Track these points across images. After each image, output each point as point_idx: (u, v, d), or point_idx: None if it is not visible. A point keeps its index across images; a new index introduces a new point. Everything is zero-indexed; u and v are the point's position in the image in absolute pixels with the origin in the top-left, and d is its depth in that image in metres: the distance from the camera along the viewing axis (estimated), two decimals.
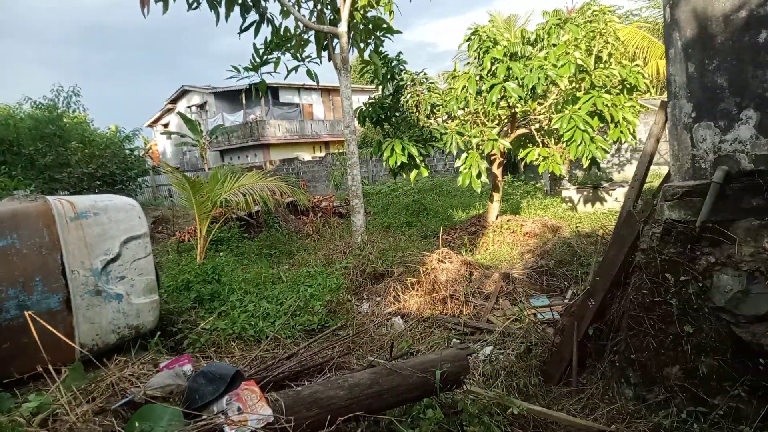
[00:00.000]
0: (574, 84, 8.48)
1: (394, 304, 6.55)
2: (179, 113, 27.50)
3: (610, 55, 8.35)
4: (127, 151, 22.15)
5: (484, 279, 7.18)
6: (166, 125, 34.86)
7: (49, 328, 3.17)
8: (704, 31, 3.30)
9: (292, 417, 2.08)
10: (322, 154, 29.43)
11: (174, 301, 5.87)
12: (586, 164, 7.76)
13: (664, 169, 8.09)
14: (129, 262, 4.59)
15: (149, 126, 37.39)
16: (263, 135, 28.72)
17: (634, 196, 4.00)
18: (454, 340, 5.46)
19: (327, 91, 31.76)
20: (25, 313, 3.66)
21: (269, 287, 7.09)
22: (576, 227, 9.72)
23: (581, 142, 7.35)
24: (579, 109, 7.42)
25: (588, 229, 9.53)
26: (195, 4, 7.55)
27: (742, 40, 3.17)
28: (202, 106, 32.25)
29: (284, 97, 30.34)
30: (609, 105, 7.45)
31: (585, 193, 12.58)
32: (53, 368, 2.91)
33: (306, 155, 29.28)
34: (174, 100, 33.77)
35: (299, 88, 30.60)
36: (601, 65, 8.29)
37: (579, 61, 7.49)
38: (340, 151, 25.17)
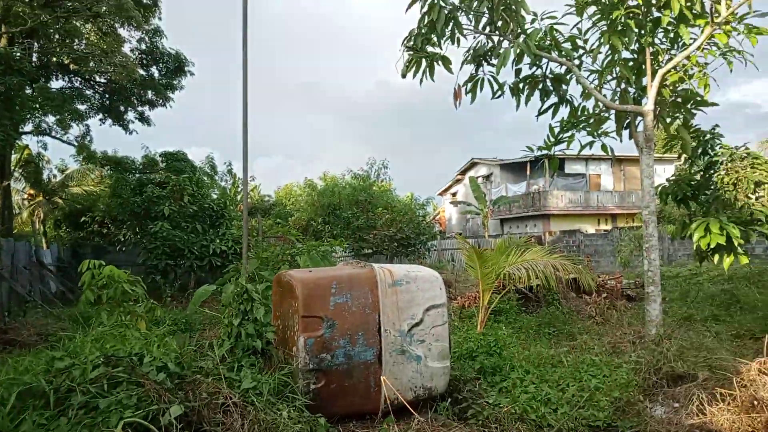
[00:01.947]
0: None
1: (698, 416, 5.63)
2: (471, 178, 29.61)
3: None
4: (420, 218, 24.84)
5: None
6: (454, 194, 37.97)
7: (383, 380, 3.73)
8: None
9: None
10: (608, 227, 27.68)
11: (459, 369, 6.23)
12: None
13: None
14: (429, 328, 5.14)
15: (440, 194, 41.30)
16: (545, 205, 28.67)
17: None
18: None
19: (618, 161, 30.10)
20: (382, 379, 4.37)
21: (549, 369, 6.91)
22: None
23: None
24: None
25: None
26: (499, 93, 8.26)
27: None
28: (487, 177, 34.17)
29: (570, 167, 29.92)
30: None
31: None
32: (365, 415, 3.42)
33: (589, 228, 27.97)
34: (463, 172, 36.71)
35: (587, 159, 29.81)
36: None
37: None
38: (630, 225, 23.30)
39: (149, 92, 19.70)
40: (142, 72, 18.90)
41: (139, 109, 20.28)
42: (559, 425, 4.94)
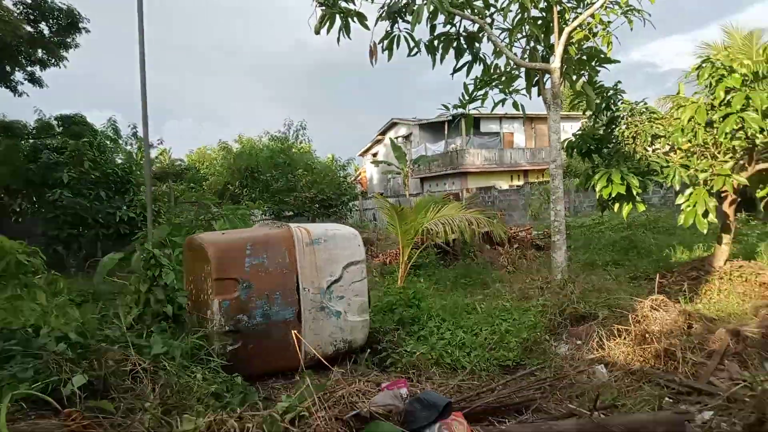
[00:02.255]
0: None
1: (597, 350, 6.14)
2: (390, 140, 29.79)
3: None
4: (341, 179, 24.78)
5: (707, 334, 6.30)
6: (375, 155, 38.05)
7: (295, 334, 3.73)
8: None
9: None
10: (520, 182, 28.99)
11: (379, 322, 6.38)
12: None
13: None
14: (348, 284, 5.18)
15: (361, 155, 41.23)
16: (462, 164, 29.48)
17: None
18: (667, 399, 4.92)
19: (529, 119, 31.34)
20: (293, 333, 4.36)
21: (464, 317, 7.24)
22: None
23: None
24: None
25: None
26: (415, 50, 8.25)
27: None
28: (407, 137, 34.48)
29: (485, 126, 30.81)
30: None
31: None
32: (285, 369, 3.44)
33: (503, 184, 29.15)
34: (383, 132, 36.77)
35: (501, 117, 30.81)
36: None
37: None
38: (540, 180, 24.51)
39: (39, 50, 17.79)
40: (29, 28, 16.98)
41: (29, 69, 18.32)
42: (471, 366, 5.20)
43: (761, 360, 5.65)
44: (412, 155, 31.16)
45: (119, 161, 17.55)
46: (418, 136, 33.10)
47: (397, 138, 34.67)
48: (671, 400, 4.96)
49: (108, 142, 19.96)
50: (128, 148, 26.27)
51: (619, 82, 8.85)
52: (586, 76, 8.70)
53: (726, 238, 9.08)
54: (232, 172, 23.26)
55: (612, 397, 4.82)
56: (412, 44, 8.27)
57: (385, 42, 8.28)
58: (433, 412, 2.29)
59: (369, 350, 5.12)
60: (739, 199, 9.50)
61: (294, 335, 4.22)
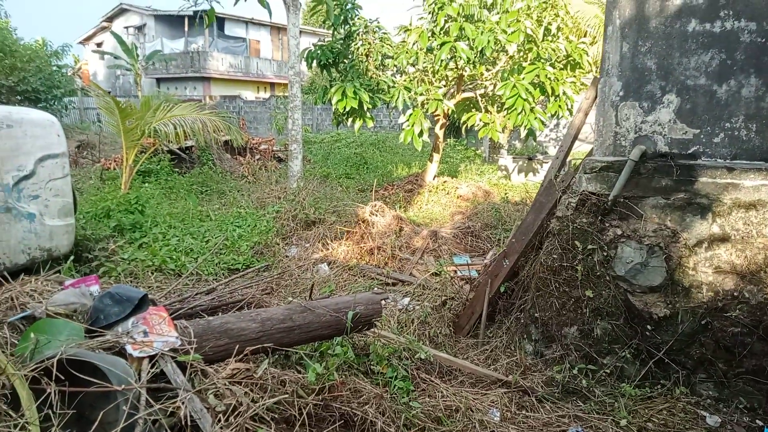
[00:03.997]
0: (521, 53, 8.59)
1: (323, 251, 6.60)
2: (113, 33, 25.61)
3: (559, 28, 8.49)
4: (54, 68, 20.51)
5: (413, 235, 7.34)
6: (99, 44, 32.34)
7: None
8: (641, 13, 3.43)
9: (195, 340, 2.10)
10: (267, 95, 28.46)
11: (92, 229, 5.63)
12: (523, 134, 7.98)
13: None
14: (44, 182, 4.35)
15: (81, 43, 34.56)
16: (204, 67, 27.31)
17: (556, 167, 4.18)
18: (376, 288, 5.60)
19: (277, 29, 30.39)
20: None
21: (196, 224, 6.94)
22: (506, 194, 10.06)
23: (522, 111, 7.53)
24: (523, 78, 7.55)
25: (517, 197, 9.90)
26: None
27: (674, 26, 3.32)
28: (140, 29, 30.09)
29: (231, 29, 28.82)
30: (552, 78, 7.63)
31: (520, 163, 12.97)
32: None
33: (249, 94, 28.21)
34: (110, 18, 31.26)
35: (247, 22, 29.14)
36: (549, 38, 8.43)
37: (529, 30, 7.58)
38: (286, 94, 24.43)
39: None
40: None
41: None
42: (196, 270, 5.03)
43: (451, 255, 6.87)
44: (146, 50, 27.52)
45: None
46: (154, 29, 29.20)
47: (127, 28, 29.98)
48: (379, 289, 5.68)
49: None
50: None
51: None
52: None
53: (435, 157, 10.56)
54: None
55: (330, 289, 5.27)
56: None
57: None
58: (126, 307, 2.08)
59: (74, 258, 4.46)
60: (448, 124, 11.02)
61: None
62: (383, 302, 3.43)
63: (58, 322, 1.91)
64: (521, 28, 7.41)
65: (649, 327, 3.51)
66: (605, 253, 3.59)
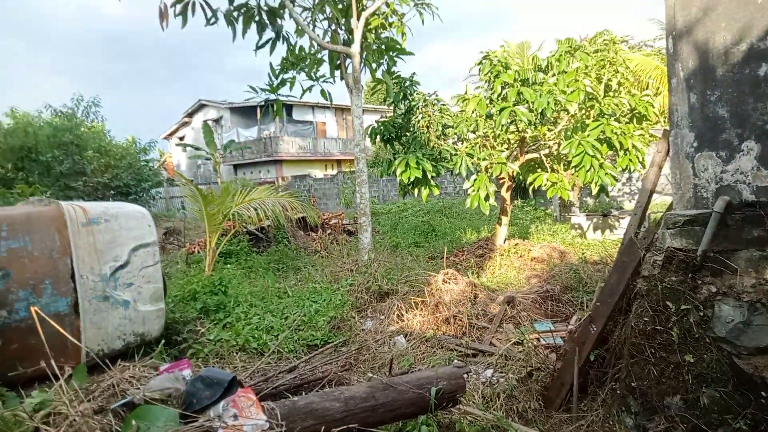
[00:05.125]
0: (583, 111, 8.55)
1: (398, 322, 6.56)
2: (204, 123, 27.89)
3: (619, 84, 8.43)
4: (143, 163, 22.49)
5: (489, 302, 7.16)
6: (182, 138, 35.39)
7: (57, 327, 3.23)
8: (705, 62, 3.36)
9: (283, 423, 2.12)
10: (334, 171, 29.67)
11: (180, 311, 5.94)
12: (594, 190, 7.78)
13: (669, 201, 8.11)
14: (137, 270, 4.68)
15: (165, 138, 37.98)
16: (276, 151, 29.07)
17: (636, 224, 4.02)
18: (455, 360, 5.45)
19: (341, 110, 32.18)
20: (32, 309, 3.74)
21: (275, 301, 7.14)
22: (583, 254, 9.70)
23: (590, 168, 7.39)
24: (588, 135, 7.47)
25: (596, 256, 9.50)
26: (213, 20, 7.79)
27: (743, 72, 3.23)
28: (217, 121, 32.76)
29: (298, 114, 30.77)
30: (618, 133, 7.50)
31: (594, 220, 12.55)
32: (58, 369, 2.95)
33: (318, 172, 29.54)
34: (191, 114, 34.34)
35: (313, 107, 31.05)
36: (611, 94, 8.37)
37: (588, 88, 7.57)
38: (352, 169, 25.35)
39: None
40: None
41: None
42: (277, 348, 5.13)
43: (531, 321, 6.61)
44: (224, 140, 29.75)
45: None
46: (230, 121, 31.70)
47: (206, 122, 32.75)
48: (459, 361, 5.52)
49: None
50: None
51: (414, 73, 9.54)
52: (385, 65, 9.18)
53: (504, 220, 10.44)
54: (3, 152, 19.47)
55: (408, 363, 5.18)
56: (209, 13, 7.81)
57: (178, 6, 7.68)
58: (216, 390, 2.15)
59: (165, 342, 4.69)
60: (515, 186, 10.96)
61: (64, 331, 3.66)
62: (465, 375, 3.33)
63: (156, 408, 2.00)
64: (581, 87, 7.42)
65: (763, 394, 3.17)
66: (701, 313, 3.34)
